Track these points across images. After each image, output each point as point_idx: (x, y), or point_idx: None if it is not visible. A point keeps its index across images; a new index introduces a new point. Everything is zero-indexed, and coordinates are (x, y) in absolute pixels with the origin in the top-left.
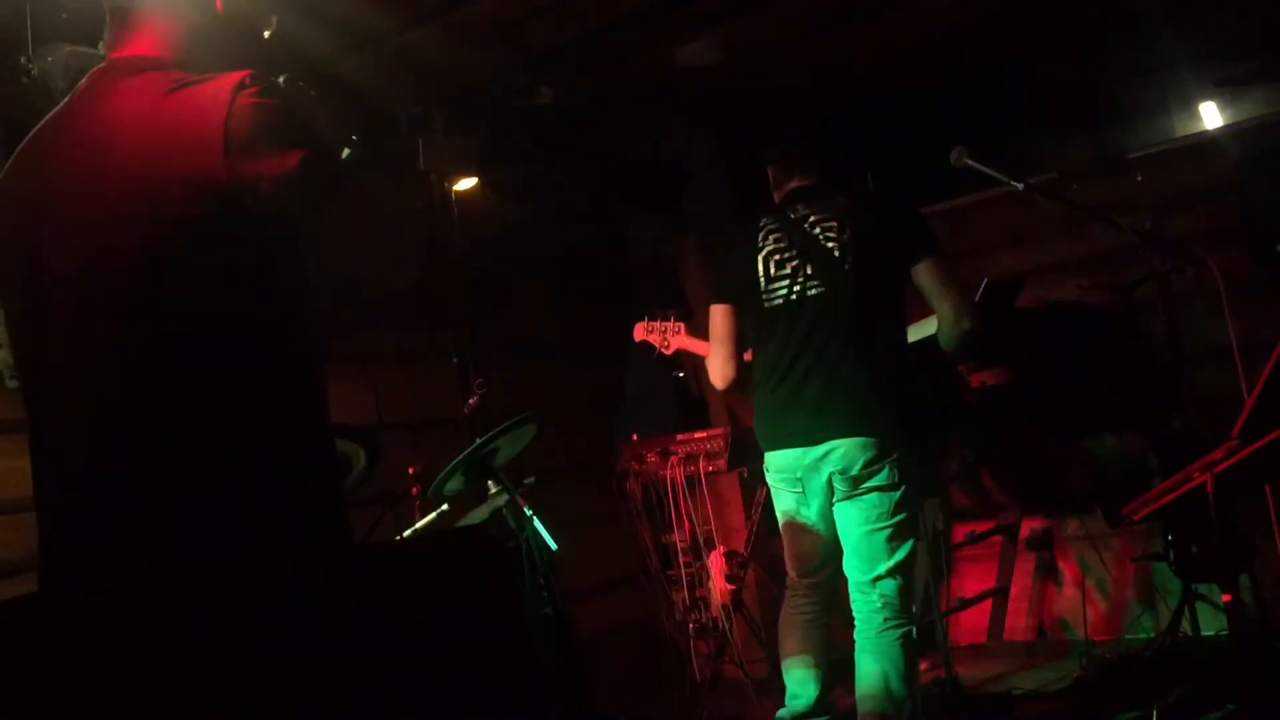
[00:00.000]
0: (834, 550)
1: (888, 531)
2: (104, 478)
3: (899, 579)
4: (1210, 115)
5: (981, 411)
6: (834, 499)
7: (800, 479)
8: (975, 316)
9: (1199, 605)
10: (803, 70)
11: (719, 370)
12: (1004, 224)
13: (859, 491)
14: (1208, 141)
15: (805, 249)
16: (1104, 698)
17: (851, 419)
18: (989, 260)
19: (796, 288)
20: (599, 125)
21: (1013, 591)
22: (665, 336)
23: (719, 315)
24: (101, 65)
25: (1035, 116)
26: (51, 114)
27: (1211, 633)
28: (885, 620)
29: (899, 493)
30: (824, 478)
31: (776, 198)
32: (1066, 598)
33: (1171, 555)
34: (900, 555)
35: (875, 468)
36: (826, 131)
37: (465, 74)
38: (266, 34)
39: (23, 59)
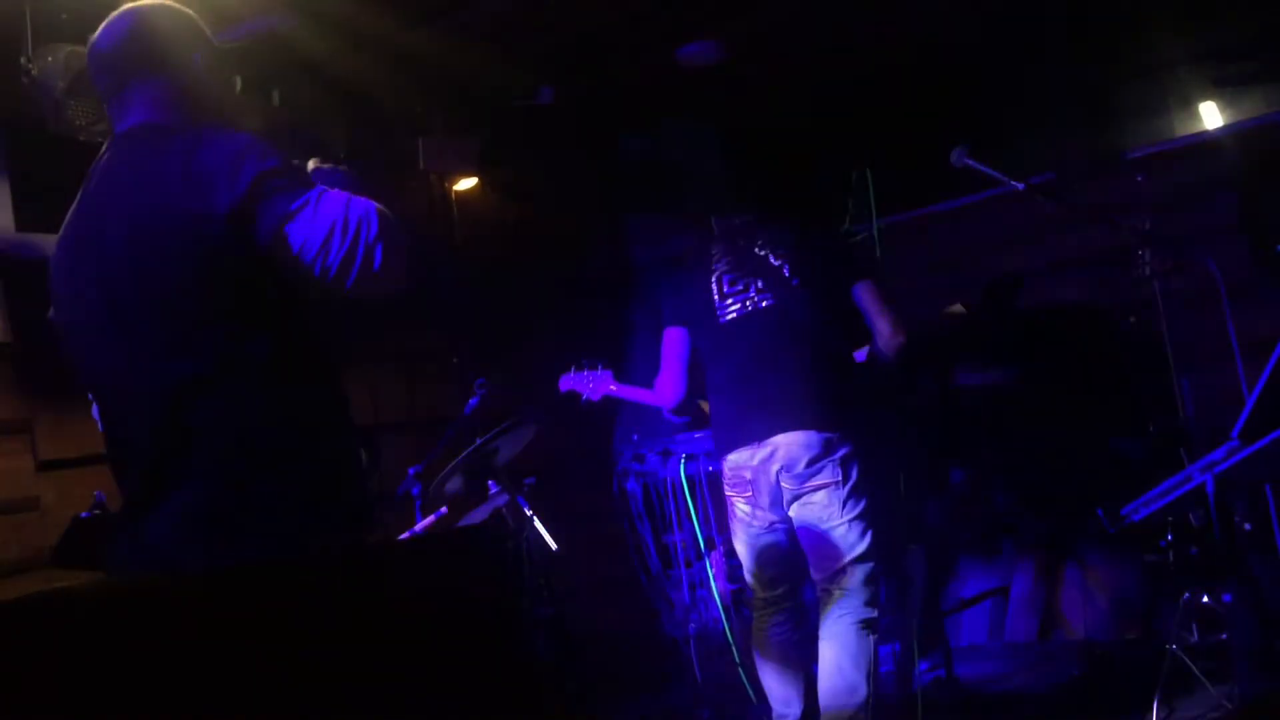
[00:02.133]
0: (792, 558)
1: (841, 528)
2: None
3: (858, 572)
4: (1210, 115)
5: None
6: (786, 501)
7: (750, 480)
8: (907, 331)
9: (1199, 605)
10: (803, 70)
11: (669, 389)
12: (1004, 224)
13: (806, 489)
14: (1208, 141)
15: (755, 268)
16: (1104, 698)
17: (795, 415)
18: (989, 260)
19: (749, 303)
20: (599, 125)
21: (1013, 591)
22: (592, 385)
23: (671, 338)
24: (111, 138)
25: (1035, 116)
26: (84, 183)
27: (1211, 633)
28: (841, 608)
29: (847, 488)
30: (772, 476)
31: (718, 231)
32: (1066, 598)
33: (1171, 555)
34: (858, 550)
35: (819, 464)
36: (765, 167)
37: (465, 74)
38: (238, 88)
39: (23, 59)
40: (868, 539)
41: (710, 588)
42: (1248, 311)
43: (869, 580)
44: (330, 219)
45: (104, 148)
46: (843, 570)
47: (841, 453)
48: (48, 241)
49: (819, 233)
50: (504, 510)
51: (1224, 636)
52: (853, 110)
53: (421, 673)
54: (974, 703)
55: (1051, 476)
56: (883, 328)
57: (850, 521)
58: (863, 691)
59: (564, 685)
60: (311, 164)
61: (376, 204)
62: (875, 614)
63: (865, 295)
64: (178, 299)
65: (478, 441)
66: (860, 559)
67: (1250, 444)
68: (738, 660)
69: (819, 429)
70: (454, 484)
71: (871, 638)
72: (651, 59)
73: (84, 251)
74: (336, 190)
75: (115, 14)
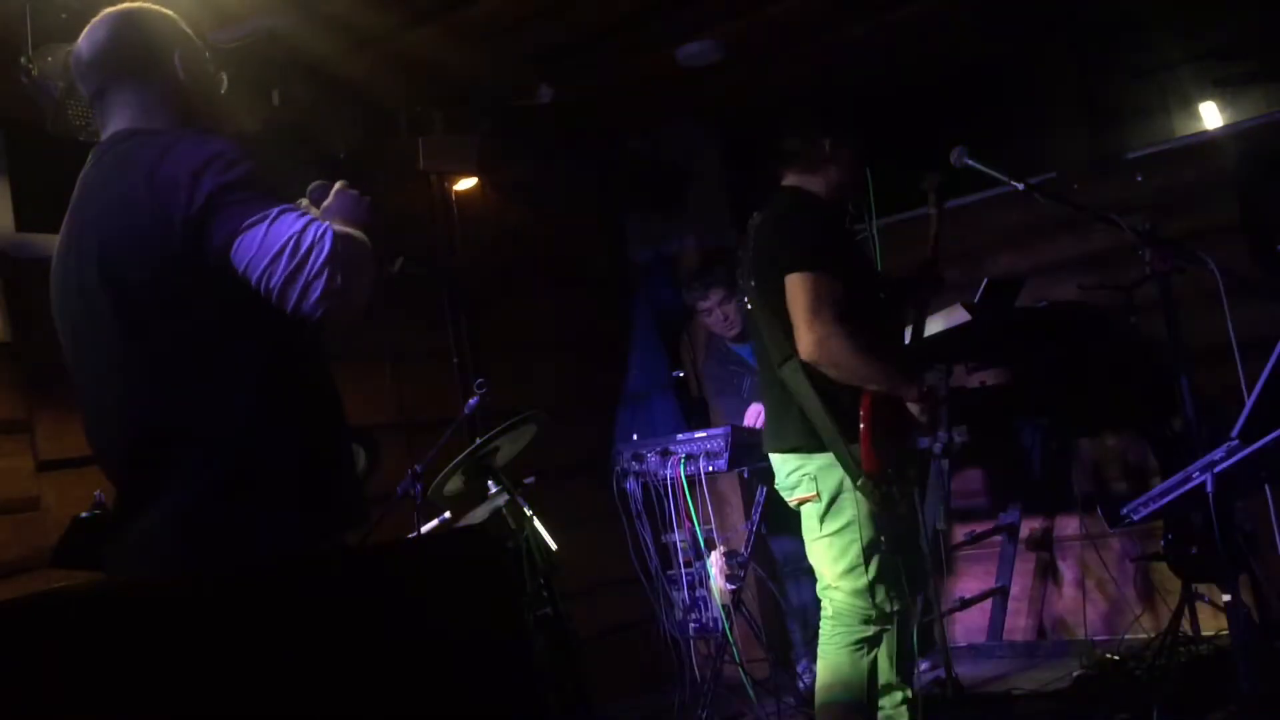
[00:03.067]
0: None
1: (823, 542)
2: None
3: (845, 590)
4: (1210, 115)
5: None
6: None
7: None
8: (817, 347)
9: (1199, 605)
10: (803, 70)
11: None
12: (1004, 224)
13: (792, 501)
14: (1208, 141)
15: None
16: (1104, 698)
17: (772, 435)
18: (989, 260)
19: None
20: (599, 125)
21: (1013, 591)
22: None
23: None
24: (99, 144)
25: (1035, 116)
26: (76, 189)
27: (1211, 633)
28: (833, 628)
29: (824, 504)
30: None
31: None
32: (1066, 598)
33: (1171, 555)
34: (841, 566)
35: (796, 480)
36: (817, 121)
37: (465, 74)
38: (222, 89)
39: (23, 59)
40: (848, 560)
41: (710, 588)
42: (1248, 311)
43: (860, 594)
44: (280, 239)
45: (90, 157)
46: (834, 585)
47: (811, 467)
48: (48, 241)
49: (777, 217)
50: (504, 510)
51: (1224, 636)
52: (853, 109)
53: (421, 673)
54: (974, 703)
55: (1051, 475)
56: (795, 334)
57: (830, 537)
58: (860, 715)
59: (564, 685)
60: (313, 185)
61: (348, 231)
62: (872, 630)
63: (789, 293)
64: (149, 305)
65: (478, 441)
66: (844, 574)
67: (1250, 444)
68: (738, 660)
69: (785, 450)
70: (454, 484)
71: (867, 658)
72: (651, 59)
73: (69, 259)
74: (297, 212)
75: (96, 19)
